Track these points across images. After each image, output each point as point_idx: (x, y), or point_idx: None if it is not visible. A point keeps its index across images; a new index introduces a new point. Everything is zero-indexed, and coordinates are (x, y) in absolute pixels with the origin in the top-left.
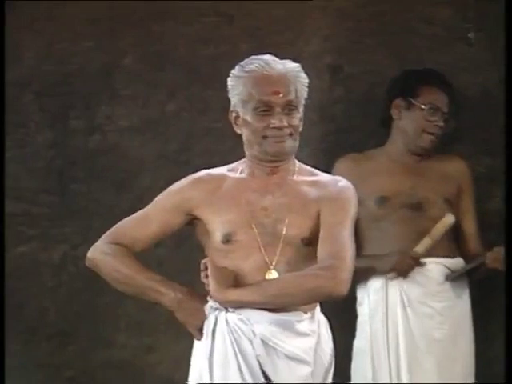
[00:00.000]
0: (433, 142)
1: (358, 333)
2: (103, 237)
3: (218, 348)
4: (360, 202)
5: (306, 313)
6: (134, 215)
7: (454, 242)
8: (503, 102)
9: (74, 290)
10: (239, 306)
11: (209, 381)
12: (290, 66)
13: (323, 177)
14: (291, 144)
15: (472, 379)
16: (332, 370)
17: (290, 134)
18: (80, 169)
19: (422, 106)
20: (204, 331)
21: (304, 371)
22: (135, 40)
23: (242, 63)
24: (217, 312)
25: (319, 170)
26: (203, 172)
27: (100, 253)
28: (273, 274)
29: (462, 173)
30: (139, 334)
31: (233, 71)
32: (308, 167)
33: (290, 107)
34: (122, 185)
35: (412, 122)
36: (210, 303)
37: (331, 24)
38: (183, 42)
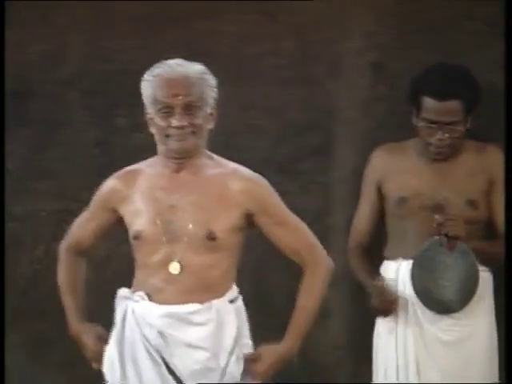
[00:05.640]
0: (442, 154)
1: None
2: (64, 238)
3: (128, 334)
4: (386, 198)
5: (202, 304)
6: (79, 217)
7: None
8: None
9: (118, 287)
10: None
11: (118, 365)
12: (194, 68)
13: (232, 170)
14: (194, 141)
15: (492, 381)
16: (236, 351)
17: (193, 133)
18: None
19: (421, 124)
20: (116, 319)
21: (201, 356)
22: (179, 38)
23: (152, 68)
24: (127, 301)
25: (362, 166)
26: (122, 170)
27: (60, 257)
28: (173, 266)
29: (494, 164)
30: None
31: (144, 75)
32: (218, 160)
33: (192, 108)
34: None
35: (420, 132)
36: (121, 292)
37: (374, 21)
38: (226, 40)
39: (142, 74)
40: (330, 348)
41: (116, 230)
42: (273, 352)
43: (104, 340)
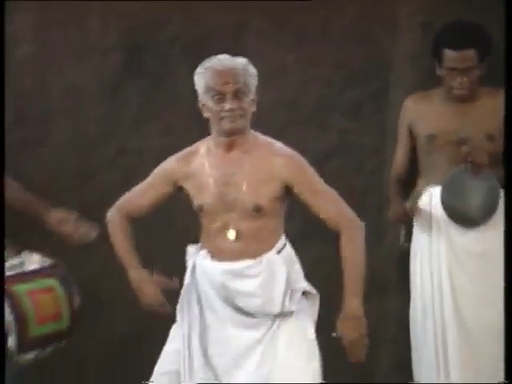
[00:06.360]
0: (464, 95)
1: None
2: (117, 202)
3: (199, 281)
4: (417, 137)
5: (254, 258)
6: (137, 186)
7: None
8: None
9: None
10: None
11: (186, 307)
12: (239, 61)
13: (275, 149)
14: (242, 123)
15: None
16: (288, 293)
17: (241, 115)
18: None
19: (444, 72)
20: (187, 269)
21: (257, 302)
22: (261, 3)
23: (203, 62)
24: (195, 256)
25: None
26: (182, 151)
27: (109, 217)
28: (231, 233)
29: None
30: None
31: (197, 69)
32: (262, 139)
33: (239, 94)
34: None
35: (443, 79)
36: (190, 249)
37: None
38: (299, 6)
39: (229, 33)
40: (382, 262)
41: None
42: (350, 327)
43: (164, 288)
